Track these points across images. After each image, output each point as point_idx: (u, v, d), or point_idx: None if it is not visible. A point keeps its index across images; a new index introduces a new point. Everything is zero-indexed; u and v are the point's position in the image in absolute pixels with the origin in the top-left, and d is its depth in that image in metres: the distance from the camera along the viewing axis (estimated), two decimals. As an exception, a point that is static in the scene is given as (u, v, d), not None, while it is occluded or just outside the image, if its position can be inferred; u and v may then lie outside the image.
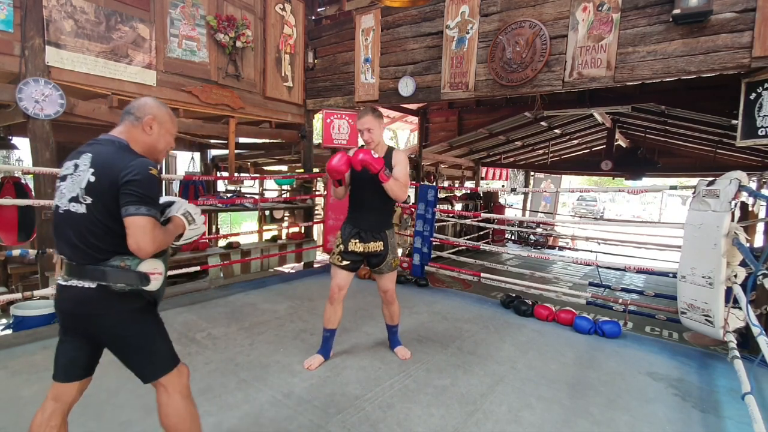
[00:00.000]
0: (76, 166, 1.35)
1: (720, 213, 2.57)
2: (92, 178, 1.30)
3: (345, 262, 2.53)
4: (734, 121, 3.81)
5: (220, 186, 6.74)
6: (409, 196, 8.72)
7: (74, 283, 1.32)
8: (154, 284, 1.38)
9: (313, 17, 5.51)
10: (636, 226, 9.77)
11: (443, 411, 2.15)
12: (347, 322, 3.30)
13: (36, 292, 2.98)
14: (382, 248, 2.55)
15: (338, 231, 2.63)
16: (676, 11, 2.83)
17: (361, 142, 2.59)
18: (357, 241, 2.52)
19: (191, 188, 6.60)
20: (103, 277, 1.31)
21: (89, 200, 1.30)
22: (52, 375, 1.43)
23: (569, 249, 10.75)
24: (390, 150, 2.54)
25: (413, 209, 5.28)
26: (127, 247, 1.30)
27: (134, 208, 1.27)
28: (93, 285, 1.31)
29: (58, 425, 1.40)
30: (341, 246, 2.54)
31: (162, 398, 1.43)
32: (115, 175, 1.29)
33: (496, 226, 9.07)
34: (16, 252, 3.00)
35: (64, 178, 1.37)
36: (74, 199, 1.32)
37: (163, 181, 7.61)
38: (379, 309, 2.88)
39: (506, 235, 10.92)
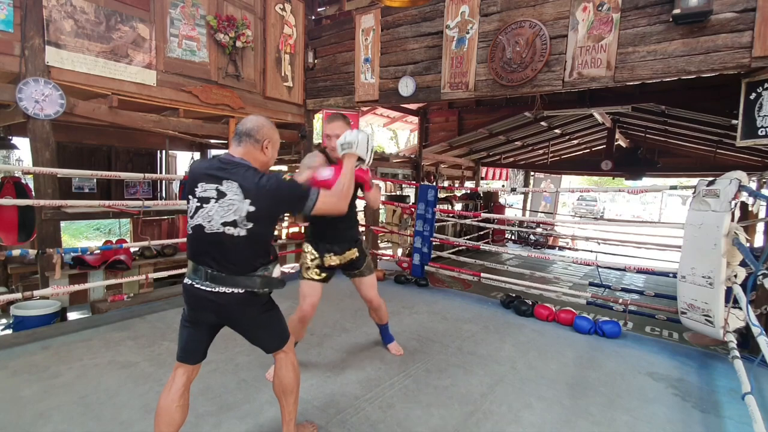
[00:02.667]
0: (220, 192, 1.51)
1: (720, 213, 2.57)
2: (251, 208, 1.50)
3: (323, 275, 2.47)
4: (734, 121, 3.81)
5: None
6: (408, 195, 8.74)
7: (223, 289, 1.54)
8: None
9: (313, 17, 5.51)
10: (636, 226, 9.79)
11: (443, 411, 2.15)
12: (347, 322, 3.30)
13: (36, 292, 2.97)
14: (357, 253, 2.52)
15: (304, 245, 2.52)
16: (676, 11, 2.83)
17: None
18: (332, 254, 2.46)
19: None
20: (253, 284, 1.57)
21: (250, 225, 1.51)
22: (178, 359, 1.63)
23: (569, 249, 10.74)
24: None
25: (413, 209, 5.28)
26: (269, 259, 1.61)
27: (310, 202, 1.60)
28: (242, 291, 1.55)
29: (183, 404, 1.60)
30: (317, 260, 2.46)
31: (282, 358, 1.73)
32: (271, 203, 1.55)
33: (496, 226, 9.07)
34: (16, 252, 2.99)
35: (206, 201, 1.52)
36: (231, 224, 1.50)
37: (164, 181, 7.63)
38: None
39: (506, 235, 10.93)
